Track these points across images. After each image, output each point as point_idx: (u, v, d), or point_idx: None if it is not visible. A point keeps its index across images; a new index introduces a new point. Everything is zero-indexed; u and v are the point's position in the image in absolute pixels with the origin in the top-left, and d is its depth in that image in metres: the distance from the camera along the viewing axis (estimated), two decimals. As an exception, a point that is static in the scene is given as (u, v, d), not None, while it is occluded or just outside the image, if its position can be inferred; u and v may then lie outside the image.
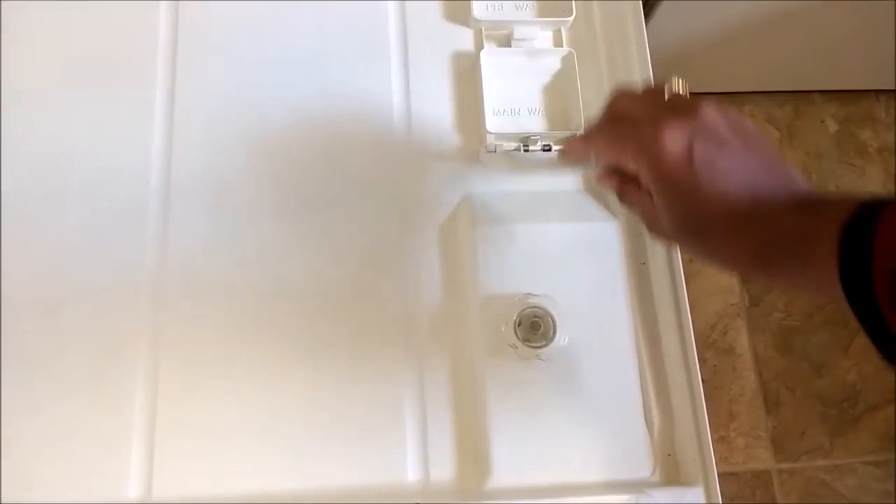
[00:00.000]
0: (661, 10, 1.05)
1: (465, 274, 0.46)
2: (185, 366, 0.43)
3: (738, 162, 0.33)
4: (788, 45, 1.21)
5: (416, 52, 0.51)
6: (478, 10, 0.50)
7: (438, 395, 0.43)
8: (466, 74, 0.50)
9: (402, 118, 0.49)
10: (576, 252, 0.46)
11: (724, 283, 1.29)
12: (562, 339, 0.43)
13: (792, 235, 0.31)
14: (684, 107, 0.35)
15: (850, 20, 1.13)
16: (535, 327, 0.43)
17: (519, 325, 0.43)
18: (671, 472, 0.43)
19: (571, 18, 0.51)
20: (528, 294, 0.44)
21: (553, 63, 0.50)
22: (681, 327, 0.44)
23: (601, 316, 0.43)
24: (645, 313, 0.46)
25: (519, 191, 0.48)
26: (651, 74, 0.49)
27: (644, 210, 0.39)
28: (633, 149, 0.35)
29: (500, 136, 0.47)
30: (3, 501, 0.40)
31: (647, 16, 1.05)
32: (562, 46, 0.52)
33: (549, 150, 0.47)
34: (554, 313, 0.43)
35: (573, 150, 0.42)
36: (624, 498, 0.40)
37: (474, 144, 0.48)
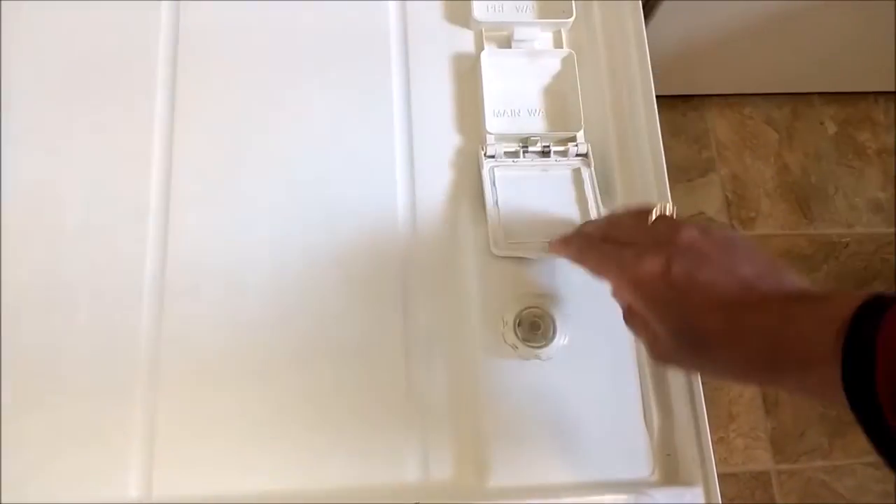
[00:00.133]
0: (661, 12, 1.06)
1: (465, 274, 0.46)
2: (185, 366, 0.43)
3: (719, 273, 0.33)
4: (788, 47, 1.21)
5: (416, 52, 0.51)
6: (478, 11, 0.51)
7: (438, 394, 0.43)
8: (467, 75, 0.50)
9: (403, 119, 0.49)
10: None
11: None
12: (562, 339, 0.43)
13: (789, 342, 0.30)
14: (666, 230, 0.36)
15: (850, 22, 1.14)
16: (535, 327, 0.43)
17: (519, 325, 0.43)
18: (671, 472, 0.43)
19: (571, 20, 0.51)
20: (529, 294, 0.44)
21: (553, 64, 0.50)
22: (680, 328, 0.44)
23: (601, 316, 0.43)
24: (644, 314, 0.46)
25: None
26: (651, 75, 0.49)
27: (645, 333, 0.38)
28: (615, 272, 0.37)
29: (500, 136, 0.48)
30: (3, 501, 0.40)
31: (647, 17, 1.05)
32: (562, 48, 0.52)
33: (549, 152, 0.47)
34: (554, 313, 0.43)
35: (563, 254, 0.42)
36: (623, 498, 0.40)
37: (474, 145, 0.49)
